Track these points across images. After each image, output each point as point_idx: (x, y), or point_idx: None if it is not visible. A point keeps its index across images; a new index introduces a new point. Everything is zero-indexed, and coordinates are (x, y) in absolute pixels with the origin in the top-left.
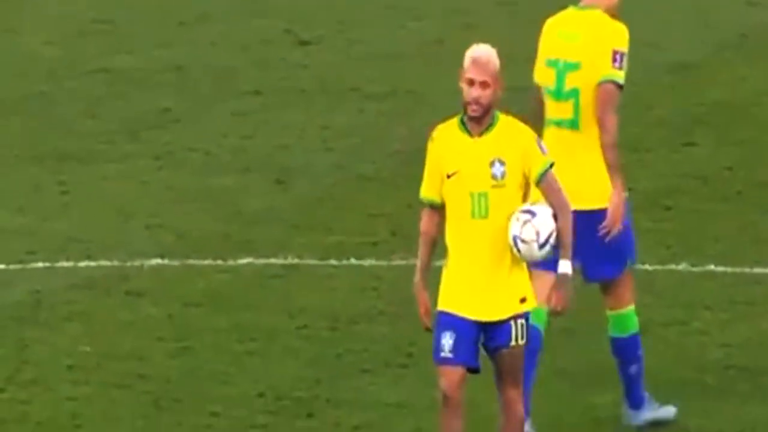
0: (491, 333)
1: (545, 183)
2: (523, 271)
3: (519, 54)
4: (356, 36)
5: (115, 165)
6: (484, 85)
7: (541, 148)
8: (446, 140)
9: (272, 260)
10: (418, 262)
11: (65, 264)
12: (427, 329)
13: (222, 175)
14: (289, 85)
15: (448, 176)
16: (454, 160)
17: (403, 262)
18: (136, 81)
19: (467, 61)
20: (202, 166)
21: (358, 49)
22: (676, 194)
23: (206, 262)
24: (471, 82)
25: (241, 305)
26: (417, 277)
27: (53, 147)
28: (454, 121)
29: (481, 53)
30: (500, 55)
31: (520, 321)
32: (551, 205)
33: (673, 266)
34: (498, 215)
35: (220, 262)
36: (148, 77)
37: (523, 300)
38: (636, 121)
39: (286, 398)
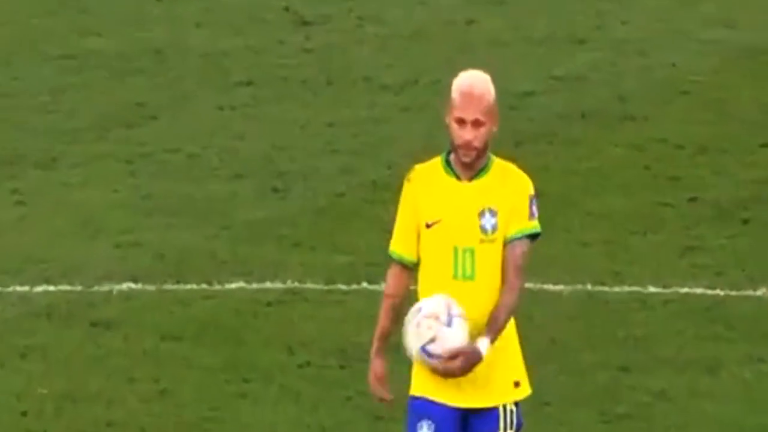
0: (475, 421)
1: (513, 249)
2: (516, 349)
3: (559, 34)
4: (368, 13)
5: (80, 169)
6: (477, 124)
7: (532, 209)
8: (427, 183)
9: (268, 284)
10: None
11: (19, 289)
12: (382, 400)
13: (208, 182)
14: (288, 74)
15: (428, 225)
16: (437, 207)
17: None
18: (105, 68)
19: (456, 94)
20: (183, 170)
21: (369, 31)
22: (754, 205)
23: (188, 286)
24: (461, 122)
25: (231, 338)
26: (374, 346)
27: (5, 148)
28: (438, 161)
29: (474, 85)
30: (540, 38)
31: (510, 408)
32: (504, 272)
33: (749, 292)
34: (486, 276)
35: (204, 286)
36: (120, 63)
37: (516, 384)
38: (705, 118)
39: None
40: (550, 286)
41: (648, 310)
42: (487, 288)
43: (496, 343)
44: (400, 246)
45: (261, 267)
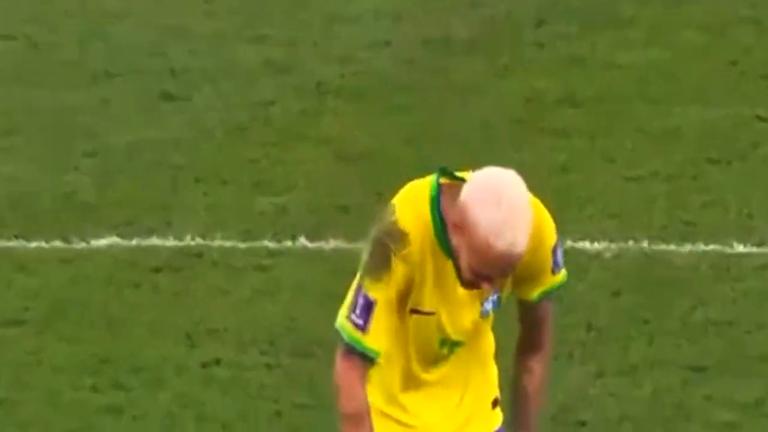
0: None
1: (543, 311)
2: (493, 364)
3: None
4: None
5: None
6: (504, 276)
7: (556, 260)
8: (421, 265)
9: (155, 241)
10: None
11: None
12: None
13: (58, 87)
14: None
15: (414, 311)
16: (432, 299)
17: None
18: None
19: (485, 248)
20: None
21: None
22: None
23: (33, 245)
24: (486, 279)
25: (98, 323)
26: None
27: None
28: (428, 227)
29: (516, 244)
30: None
31: None
32: (530, 337)
33: None
34: (477, 337)
35: (58, 244)
36: None
37: (494, 403)
38: None
39: None
40: (585, 244)
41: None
42: (476, 344)
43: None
44: (374, 339)
45: (143, 214)
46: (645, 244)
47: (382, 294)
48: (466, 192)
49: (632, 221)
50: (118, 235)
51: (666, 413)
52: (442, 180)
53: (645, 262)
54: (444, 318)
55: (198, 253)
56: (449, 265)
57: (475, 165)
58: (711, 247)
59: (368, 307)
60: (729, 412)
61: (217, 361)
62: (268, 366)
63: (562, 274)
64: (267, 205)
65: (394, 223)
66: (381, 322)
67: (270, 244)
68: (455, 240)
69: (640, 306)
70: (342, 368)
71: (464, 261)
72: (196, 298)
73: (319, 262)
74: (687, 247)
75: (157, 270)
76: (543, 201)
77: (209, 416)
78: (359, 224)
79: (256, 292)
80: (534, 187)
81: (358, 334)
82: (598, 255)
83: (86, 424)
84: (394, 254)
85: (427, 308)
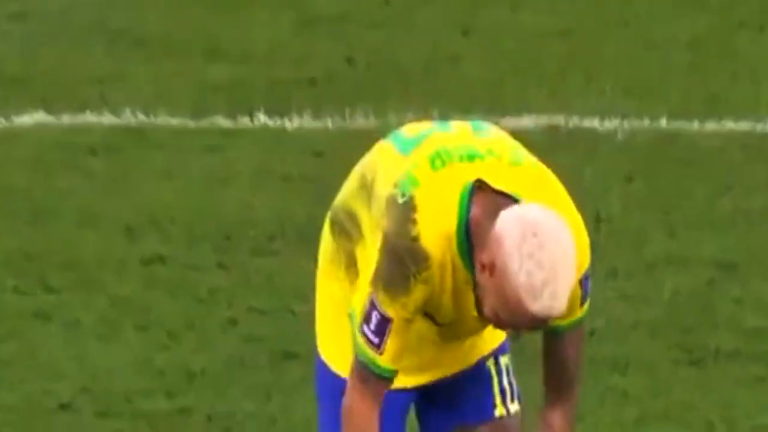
0: (445, 397)
1: (569, 345)
2: None
3: None
4: None
5: None
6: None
7: (585, 290)
8: (441, 283)
9: None
10: None
11: None
12: None
13: None
14: None
15: (426, 315)
16: (447, 313)
17: None
18: None
19: (516, 307)
20: None
21: None
22: None
23: None
24: (531, 321)
25: None
26: None
27: None
28: (453, 248)
29: (552, 309)
30: None
31: (505, 361)
32: (552, 378)
33: None
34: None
35: None
36: None
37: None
38: None
39: None
40: (593, 122)
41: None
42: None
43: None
44: (396, 360)
45: (75, 86)
46: (663, 121)
47: (398, 314)
48: (502, 231)
49: (648, 95)
50: (45, 111)
51: (687, 319)
52: (477, 190)
53: (663, 143)
54: (460, 325)
55: (139, 132)
56: (469, 286)
57: (464, 26)
58: (740, 125)
59: (384, 324)
60: (761, 316)
61: (162, 259)
62: (221, 265)
63: (586, 305)
64: (220, 76)
65: (415, 241)
66: (396, 341)
67: (224, 122)
68: (481, 278)
69: (657, 193)
70: (355, 396)
71: (489, 305)
72: (137, 185)
73: (281, 142)
74: (712, 125)
75: (92, 151)
76: (542, 71)
77: (152, 323)
78: (328, 98)
79: (207, 177)
80: (531, 55)
81: (372, 353)
82: (608, 135)
83: (8, 331)
84: (414, 276)
85: (440, 320)
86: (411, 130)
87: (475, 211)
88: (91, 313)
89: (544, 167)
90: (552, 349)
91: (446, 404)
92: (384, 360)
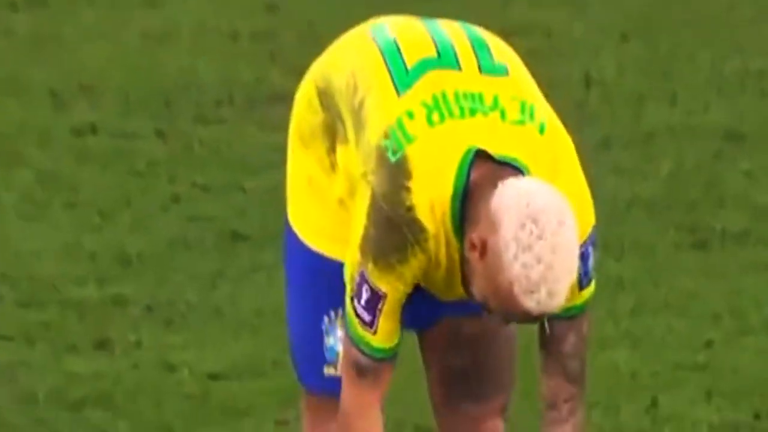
0: None
1: (562, 328)
2: None
3: None
4: None
5: None
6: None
7: (586, 271)
8: (435, 259)
9: None
10: None
11: None
12: None
13: None
14: None
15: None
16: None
17: None
18: None
19: (507, 299)
20: None
21: None
22: None
23: None
24: (523, 315)
25: None
26: None
27: None
28: (447, 220)
29: (548, 305)
30: None
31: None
32: (558, 359)
33: None
34: None
35: None
36: None
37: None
38: None
39: None
40: None
41: None
42: None
43: None
44: (386, 338)
45: None
46: None
47: (392, 287)
48: (497, 212)
49: None
50: None
51: (690, 195)
52: (476, 158)
53: None
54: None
55: None
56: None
57: None
58: None
59: (375, 301)
60: None
61: (93, 128)
62: (161, 134)
63: (590, 288)
64: None
65: (410, 211)
66: (390, 319)
67: None
68: (471, 257)
69: (656, 53)
70: (351, 394)
71: (478, 288)
72: (64, 44)
73: None
74: None
75: (12, 6)
76: None
77: (82, 201)
78: None
79: (144, 36)
80: None
81: (363, 331)
82: None
83: None
84: (412, 245)
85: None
86: (410, 49)
87: (473, 180)
88: (13, 190)
89: (553, 126)
90: (548, 342)
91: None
92: (378, 340)
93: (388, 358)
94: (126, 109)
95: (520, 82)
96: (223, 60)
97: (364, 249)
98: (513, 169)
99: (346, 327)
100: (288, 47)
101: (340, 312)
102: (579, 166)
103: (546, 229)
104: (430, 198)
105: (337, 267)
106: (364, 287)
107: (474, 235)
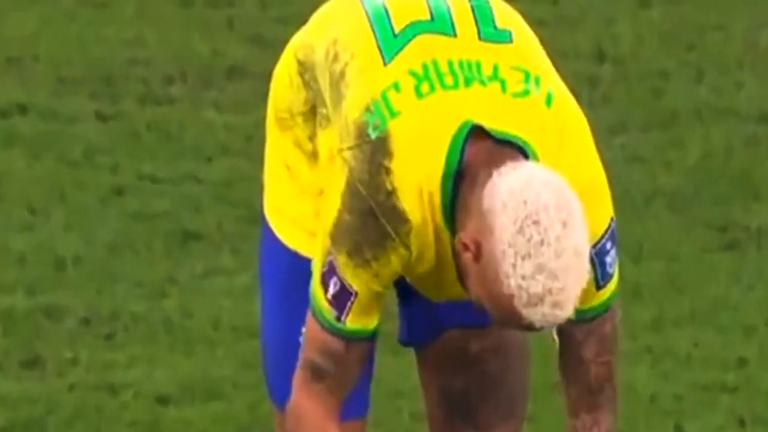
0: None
1: (581, 332)
2: None
3: None
4: None
5: None
6: None
7: (604, 270)
8: (422, 248)
9: None
10: None
11: None
12: None
13: None
14: None
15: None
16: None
17: None
18: None
19: (507, 310)
20: None
21: None
22: None
23: None
24: (527, 327)
25: None
26: None
27: None
28: (436, 208)
29: (554, 317)
30: None
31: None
32: (578, 367)
33: None
34: None
35: None
36: None
37: None
38: None
39: None
40: None
41: None
42: None
43: None
44: (359, 323)
45: None
46: None
47: (365, 287)
48: (492, 208)
49: None
50: None
51: (719, 187)
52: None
53: None
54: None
55: None
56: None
57: None
58: None
59: (345, 296)
60: None
61: (22, 109)
62: (101, 117)
63: (613, 283)
64: None
65: (390, 197)
66: (362, 314)
67: None
68: (465, 257)
69: (680, 22)
70: (302, 399)
71: (474, 293)
72: None
73: None
74: None
75: None
76: None
77: (9, 195)
78: None
79: (82, 2)
80: None
81: (330, 315)
82: None
83: None
84: (392, 238)
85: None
86: (401, 11)
87: (467, 160)
88: None
89: (563, 98)
90: (566, 348)
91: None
92: (350, 320)
93: (360, 338)
94: (60, 87)
95: (525, 49)
96: (173, 29)
97: (335, 237)
98: (514, 148)
99: (311, 303)
100: (249, 13)
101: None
102: (593, 146)
103: (548, 231)
104: (417, 179)
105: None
106: (333, 279)
107: (465, 235)
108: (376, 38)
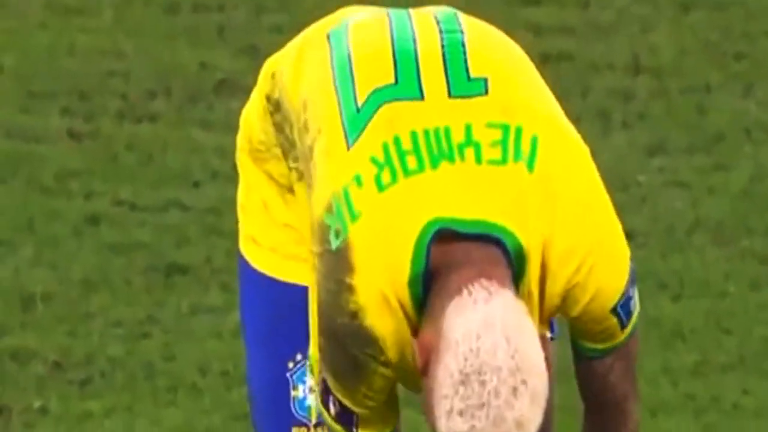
0: None
1: (603, 366)
2: None
3: None
4: None
5: None
6: None
7: (621, 319)
8: (408, 362)
9: None
10: None
11: None
12: None
13: None
14: None
15: None
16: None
17: None
18: None
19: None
20: None
21: None
22: None
23: None
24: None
25: None
26: None
27: None
28: (410, 310)
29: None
30: None
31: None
32: (598, 396)
33: None
34: None
35: None
36: None
37: None
38: None
39: None
40: None
41: None
42: None
43: None
44: (373, 427)
45: None
46: None
47: (362, 407)
48: (448, 334)
49: None
50: None
51: None
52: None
53: None
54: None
55: None
56: None
57: None
58: None
59: (348, 417)
60: None
61: None
62: (74, 136)
63: (635, 316)
64: None
65: (356, 318)
66: (369, 424)
67: None
68: (424, 379)
69: (726, 28)
70: None
71: (431, 420)
72: None
73: None
74: None
75: None
76: None
77: None
78: None
79: (53, 5)
80: None
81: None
82: None
83: None
84: (367, 363)
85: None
86: (365, 72)
87: (434, 261)
88: None
89: (549, 148)
90: (581, 376)
91: None
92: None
93: None
94: (26, 101)
95: (503, 97)
96: (155, 38)
97: (320, 354)
98: (488, 243)
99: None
100: (241, 21)
101: (308, 354)
102: (593, 193)
103: (491, 397)
104: (380, 290)
105: (299, 294)
106: (330, 399)
107: (421, 341)
108: (341, 113)
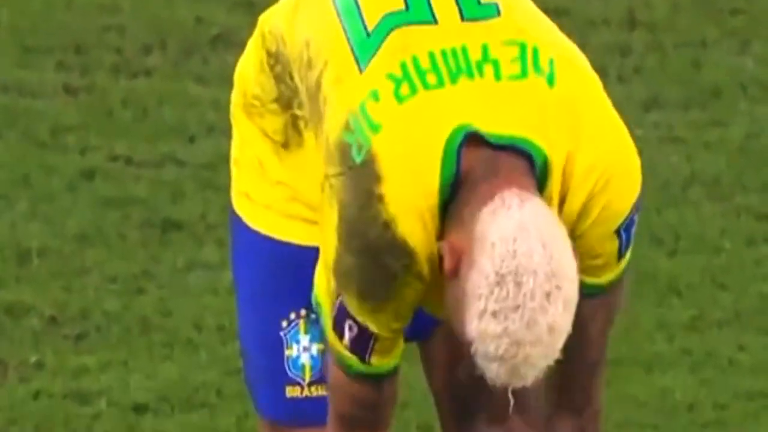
0: None
1: (590, 307)
2: None
3: None
4: None
5: None
6: None
7: (620, 246)
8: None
9: None
10: None
11: None
12: None
13: None
14: None
15: None
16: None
17: None
18: None
19: (482, 354)
20: None
21: None
22: None
23: None
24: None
25: None
26: None
27: None
28: (435, 222)
29: (516, 382)
30: None
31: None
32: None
33: None
34: None
35: None
36: None
37: None
38: None
39: None
40: None
41: None
42: None
43: None
44: (386, 356)
45: None
46: None
47: (385, 328)
48: (483, 237)
49: None
50: None
51: (766, 171)
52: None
53: None
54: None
55: None
56: None
57: None
58: None
59: (365, 340)
60: None
61: None
62: (70, 91)
63: (629, 250)
64: None
65: (389, 228)
66: (387, 353)
67: None
68: (444, 264)
69: None
70: None
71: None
72: None
73: None
74: None
75: None
76: None
77: None
78: None
79: None
80: None
81: (355, 360)
82: None
83: None
84: (400, 275)
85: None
86: (372, 2)
87: (465, 170)
88: None
89: (566, 68)
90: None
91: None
92: (375, 363)
93: (390, 375)
94: (22, 56)
95: (516, 18)
96: None
97: (340, 279)
98: (517, 153)
99: (330, 352)
100: None
101: (302, 313)
102: (610, 113)
103: (527, 299)
104: (413, 199)
105: (294, 252)
106: (347, 323)
107: (450, 244)
108: (348, 40)
